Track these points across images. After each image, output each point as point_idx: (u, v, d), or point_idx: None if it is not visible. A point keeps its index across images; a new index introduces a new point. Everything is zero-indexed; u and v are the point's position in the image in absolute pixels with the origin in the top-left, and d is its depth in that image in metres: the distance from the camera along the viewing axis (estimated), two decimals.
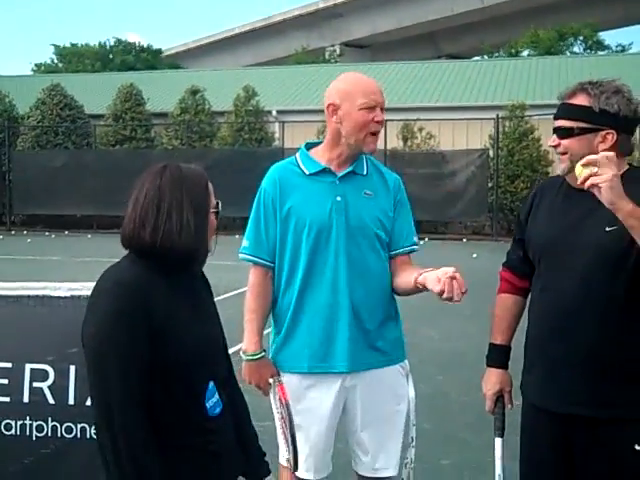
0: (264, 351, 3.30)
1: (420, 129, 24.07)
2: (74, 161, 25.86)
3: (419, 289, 3.05)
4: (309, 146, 3.38)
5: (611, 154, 2.51)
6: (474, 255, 17.63)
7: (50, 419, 3.00)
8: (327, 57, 53.33)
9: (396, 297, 3.36)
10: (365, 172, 3.30)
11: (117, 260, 2.40)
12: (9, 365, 3.06)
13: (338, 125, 3.19)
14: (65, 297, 3.12)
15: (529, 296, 3.07)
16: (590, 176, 2.48)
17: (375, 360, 3.24)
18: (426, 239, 20.94)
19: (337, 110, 3.18)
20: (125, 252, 2.40)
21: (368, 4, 52.99)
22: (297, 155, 3.35)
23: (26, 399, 3.02)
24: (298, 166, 3.30)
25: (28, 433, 3.01)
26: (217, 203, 2.45)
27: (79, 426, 2.97)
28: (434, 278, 2.87)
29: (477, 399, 3.14)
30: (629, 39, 56.50)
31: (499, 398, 3.12)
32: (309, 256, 3.20)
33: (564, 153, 2.81)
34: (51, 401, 3.01)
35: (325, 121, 3.29)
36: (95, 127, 27.40)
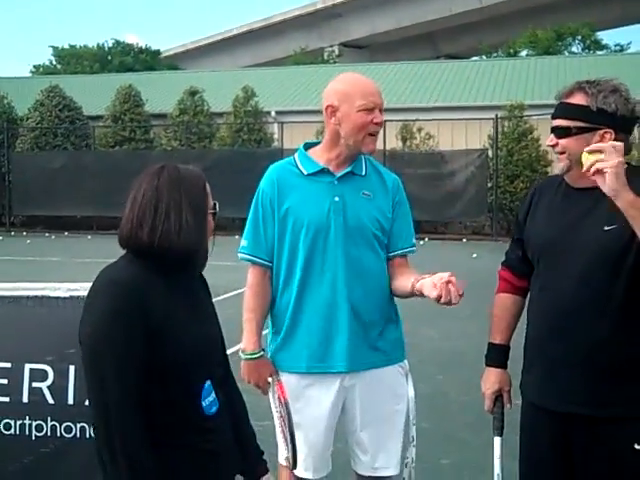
0: (263, 350, 3.30)
1: (419, 129, 24.07)
2: (73, 162, 25.86)
3: (416, 295, 3.07)
4: (307, 146, 3.38)
5: (619, 144, 2.53)
6: (474, 255, 17.63)
7: (49, 419, 3.01)
8: (326, 57, 53.30)
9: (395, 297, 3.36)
10: (364, 172, 3.30)
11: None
12: (8, 365, 3.08)
13: (337, 127, 3.19)
14: (64, 297, 3.13)
15: (528, 296, 3.07)
16: (596, 162, 2.50)
17: (374, 360, 3.24)
18: (426, 239, 20.95)
19: (335, 112, 3.18)
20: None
21: (367, 4, 52.99)
22: (295, 155, 3.35)
23: (25, 399, 3.04)
24: (296, 166, 3.30)
25: (27, 433, 3.02)
26: (214, 204, 2.45)
27: (78, 426, 2.99)
28: (430, 284, 2.88)
29: (477, 399, 3.14)
30: (627, 39, 56.71)
31: (498, 397, 3.12)
32: (307, 256, 3.20)
33: (562, 152, 2.81)
34: (50, 401, 3.02)
35: (324, 122, 3.29)
36: (94, 128, 27.40)
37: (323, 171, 3.25)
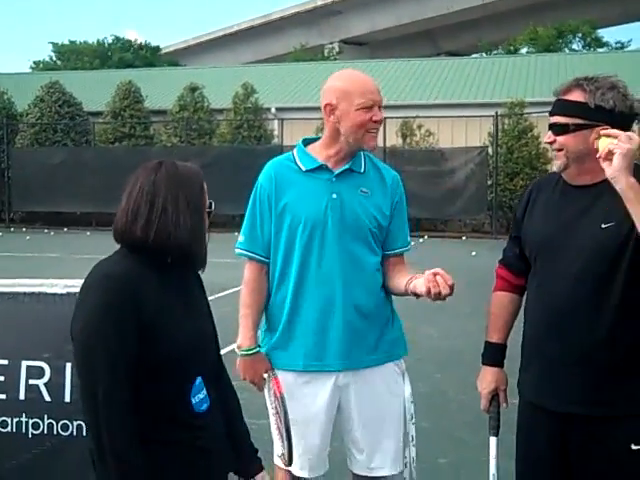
0: (259, 346, 3.30)
1: (419, 126, 24.07)
2: (73, 158, 25.84)
3: (410, 295, 3.09)
4: (306, 142, 3.37)
5: (635, 136, 2.55)
6: (473, 253, 17.63)
7: (46, 416, 3.00)
8: (326, 54, 53.27)
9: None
10: (362, 170, 3.28)
11: None
12: (5, 362, 3.07)
13: (336, 124, 3.18)
14: (61, 294, 3.12)
15: (525, 294, 3.06)
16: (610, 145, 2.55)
17: (369, 358, 3.24)
18: (425, 237, 20.96)
19: (334, 110, 3.16)
20: None
21: (367, 1, 52.98)
22: (294, 151, 3.34)
23: (22, 396, 3.03)
24: (295, 162, 3.29)
25: (24, 430, 3.01)
26: (210, 203, 2.45)
27: (75, 423, 2.98)
28: (421, 283, 2.93)
29: (475, 398, 3.14)
30: (628, 36, 56.42)
31: (494, 397, 3.11)
32: (303, 253, 3.19)
33: (560, 150, 2.80)
34: (47, 398, 3.01)
35: (323, 118, 3.28)
36: (94, 124, 27.40)
37: (321, 168, 3.24)
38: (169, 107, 27.12)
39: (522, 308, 3.07)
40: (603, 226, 2.68)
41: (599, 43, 48.82)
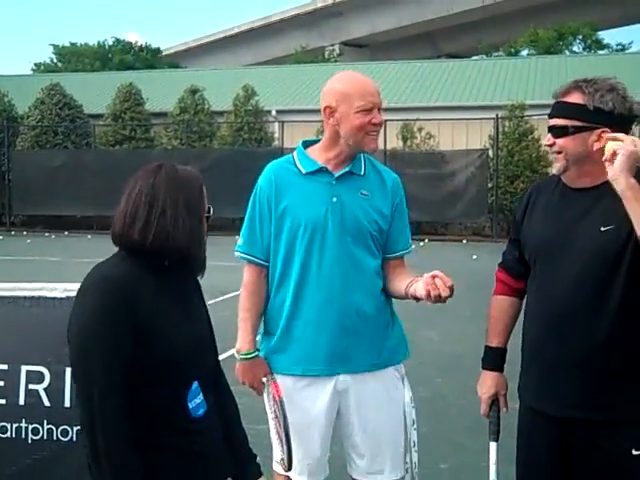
0: (258, 350, 3.29)
1: (420, 129, 24.05)
2: (73, 161, 25.83)
3: (410, 298, 3.09)
4: (306, 144, 3.35)
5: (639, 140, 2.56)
6: (474, 256, 17.59)
7: (46, 422, 3.00)
8: (326, 56, 53.30)
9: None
10: (362, 172, 3.27)
11: None
12: (5, 367, 3.06)
13: (336, 127, 3.17)
14: (61, 298, 3.11)
15: (525, 297, 3.05)
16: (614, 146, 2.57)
17: (369, 362, 3.23)
18: (426, 240, 20.94)
19: (334, 112, 3.15)
20: None
21: (367, 3, 52.98)
22: (294, 153, 3.33)
23: (22, 401, 3.02)
24: (295, 165, 3.28)
25: (24, 436, 3.00)
26: (209, 208, 2.44)
27: (75, 429, 2.97)
28: (421, 286, 2.94)
29: (475, 402, 3.13)
30: (629, 38, 56.68)
31: (494, 401, 3.10)
32: (303, 256, 3.18)
33: (559, 152, 2.80)
34: (47, 403, 3.00)
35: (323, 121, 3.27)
36: (94, 127, 27.38)
37: (321, 170, 3.23)
38: (170, 109, 27.12)
39: (522, 311, 3.06)
40: (602, 229, 2.68)
41: (600, 45, 48.81)
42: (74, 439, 2.96)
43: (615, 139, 2.60)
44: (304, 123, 23.39)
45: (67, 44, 58.11)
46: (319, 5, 56.11)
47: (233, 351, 3.31)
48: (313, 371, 3.20)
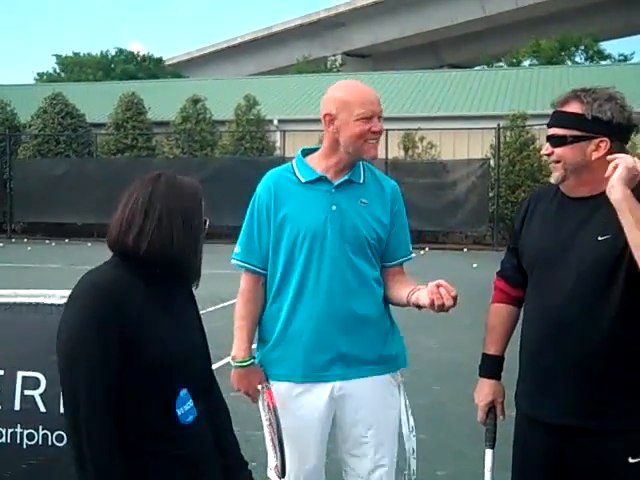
0: (253, 358, 3.28)
1: (421, 139, 24.12)
2: (75, 170, 25.91)
3: (412, 306, 3.10)
4: (305, 152, 3.35)
5: None
6: (474, 265, 17.60)
7: (41, 427, 2.99)
8: (329, 66, 53.41)
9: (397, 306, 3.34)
10: (362, 180, 3.27)
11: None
12: (1, 372, 3.06)
13: (335, 135, 3.17)
14: (58, 305, 3.10)
15: (523, 306, 3.05)
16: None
17: (366, 369, 3.21)
18: (427, 249, 20.95)
19: (334, 120, 3.15)
20: None
21: (370, 14, 53.12)
22: (293, 162, 3.32)
23: (17, 407, 3.01)
24: (294, 173, 3.27)
25: (19, 441, 2.99)
26: (205, 220, 2.44)
27: None
28: (424, 294, 2.95)
29: (474, 410, 3.13)
30: (631, 49, 56.62)
31: (491, 409, 3.09)
32: (303, 265, 3.17)
33: (557, 161, 2.79)
34: (42, 409, 2.99)
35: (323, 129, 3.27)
36: (96, 136, 27.49)
37: (321, 179, 3.22)
38: (172, 119, 27.19)
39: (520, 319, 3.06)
40: (600, 239, 2.67)
41: (602, 56, 48.92)
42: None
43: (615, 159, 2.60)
44: (306, 132, 23.41)
45: (70, 54, 58.44)
46: (322, 15, 56.29)
47: (230, 358, 3.31)
48: (310, 378, 3.19)
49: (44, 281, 12.92)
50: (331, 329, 3.16)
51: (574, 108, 2.76)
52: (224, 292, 9.90)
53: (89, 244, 23.18)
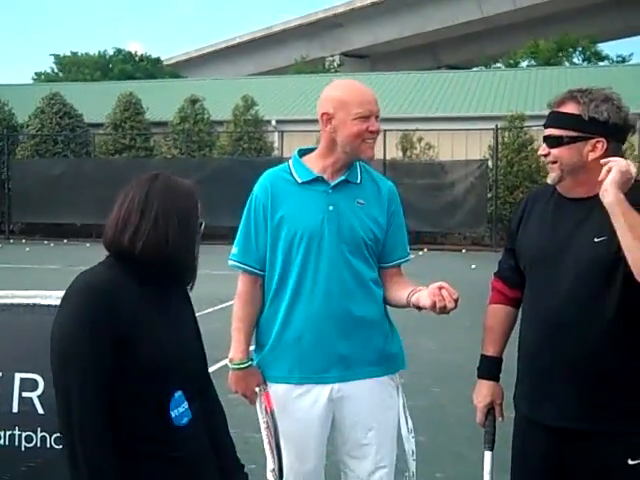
0: (251, 360, 3.27)
1: (419, 139, 24.11)
2: (73, 170, 25.88)
3: (412, 307, 3.09)
4: (302, 152, 3.35)
5: (634, 168, 2.58)
6: (473, 266, 17.58)
7: (39, 429, 2.97)
8: (327, 67, 53.38)
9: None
10: (359, 180, 3.26)
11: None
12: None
13: (333, 134, 3.16)
14: (55, 306, 3.08)
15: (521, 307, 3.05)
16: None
17: (365, 370, 3.21)
18: (425, 250, 20.95)
19: (331, 119, 3.15)
20: None
21: (368, 14, 53.13)
22: (290, 162, 3.31)
23: (15, 409, 3.00)
24: (291, 174, 3.26)
25: (17, 444, 2.98)
26: (201, 222, 2.44)
27: None
28: (425, 296, 2.94)
29: (473, 412, 3.12)
30: (629, 50, 56.66)
31: (490, 411, 3.08)
32: (300, 266, 3.17)
33: (554, 162, 2.79)
34: (40, 411, 2.98)
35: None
36: (94, 136, 27.47)
37: (317, 179, 3.22)
38: (170, 119, 27.17)
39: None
40: (596, 240, 2.67)
41: (599, 57, 48.94)
42: None
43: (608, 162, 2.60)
44: (303, 133, 23.38)
45: (68, 54, 58.35)
46: (320, 16, 56.29)
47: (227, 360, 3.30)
48: (308, 379, 3.19)
49: (42, 282, 12.89)
50: (329, 330, 3.15)
51: (570, 109, 2.76)
52: (222, 293, 9.90)
53: (88, 245, 23.14)
